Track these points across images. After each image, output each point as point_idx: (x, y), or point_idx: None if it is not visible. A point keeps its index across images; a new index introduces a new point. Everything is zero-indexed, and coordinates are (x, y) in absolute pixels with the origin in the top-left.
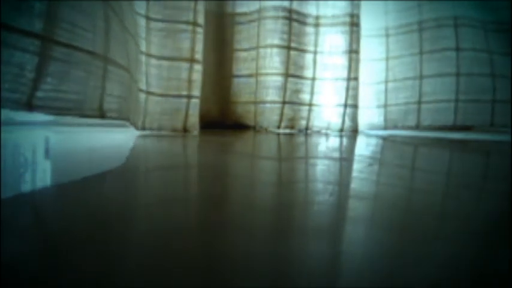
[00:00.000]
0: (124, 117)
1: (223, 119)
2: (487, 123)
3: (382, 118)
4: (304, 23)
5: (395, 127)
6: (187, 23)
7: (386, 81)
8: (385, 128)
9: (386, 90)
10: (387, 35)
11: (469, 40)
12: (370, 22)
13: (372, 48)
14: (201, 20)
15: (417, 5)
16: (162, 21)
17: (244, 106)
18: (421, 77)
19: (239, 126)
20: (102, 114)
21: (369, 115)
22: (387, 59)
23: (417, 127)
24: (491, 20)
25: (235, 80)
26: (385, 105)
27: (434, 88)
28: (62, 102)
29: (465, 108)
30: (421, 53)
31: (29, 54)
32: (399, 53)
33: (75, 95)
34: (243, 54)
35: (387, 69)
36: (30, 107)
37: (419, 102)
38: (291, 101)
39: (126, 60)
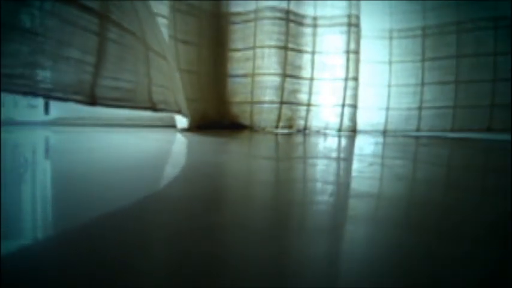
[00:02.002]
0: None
1: (220, 119)
2: (484, 127)
3: (383, 120)
4: (301, 24)
5: (396, 130)
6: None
7: (389, 85)
8: (386, 129)
9: (389, 93)
10: (391, 38)
11: (471, 45)
12: (374, 23)
13: (374, 50)
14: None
15: (422, 8)
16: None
17: (239, 106)
18: (423, 85)
19: (236, 126)
20: (153, 106)
21: (370, 116)
22: (390, 62)
23: (417, 131)
24: (503, 15)
25: (230, 80)
26: (388, 108)
27: (434, 95)
28: (119, 92)
29: (463, 114)
30: (423, 60)
31: (89, 33)
32: (402, 58)
33: (128, 84)
34: (238, 54)
35: (390, 73)
36: (93, 98)
37: (420, 108)
38: (288, 101)
39: (159, 45)
